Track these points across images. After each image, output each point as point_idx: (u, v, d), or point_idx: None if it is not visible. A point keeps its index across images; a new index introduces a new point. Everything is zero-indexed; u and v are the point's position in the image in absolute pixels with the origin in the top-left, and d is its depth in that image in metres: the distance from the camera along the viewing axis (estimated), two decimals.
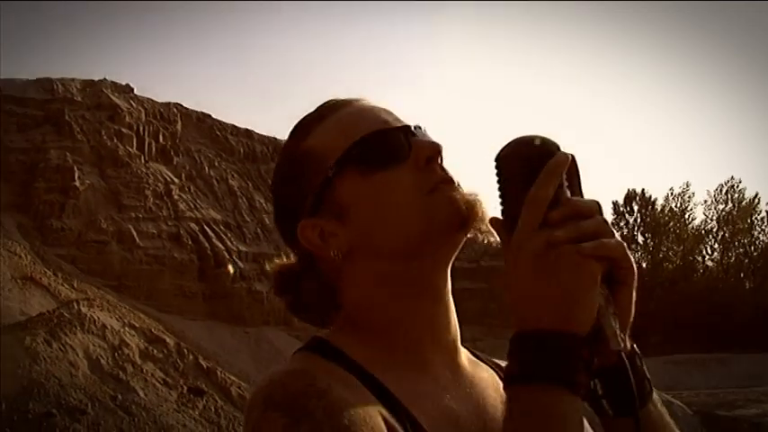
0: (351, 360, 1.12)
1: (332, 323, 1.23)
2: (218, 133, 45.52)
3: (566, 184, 1.01)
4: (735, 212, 52.28)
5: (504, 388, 1.01)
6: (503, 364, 1.25)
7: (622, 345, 1.00)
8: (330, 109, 1.23)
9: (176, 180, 41.53)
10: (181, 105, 45.31)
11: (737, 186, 52.31)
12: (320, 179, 1.17)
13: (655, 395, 1.15)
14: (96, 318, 20.57)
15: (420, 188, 1.14)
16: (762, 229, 52.77)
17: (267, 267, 1.30)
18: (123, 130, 40.61)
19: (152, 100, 43.88)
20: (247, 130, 46.87)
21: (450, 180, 1.16)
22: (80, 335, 19.25)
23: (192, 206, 40.76)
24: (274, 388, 1.03)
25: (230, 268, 37.92)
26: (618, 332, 0.99)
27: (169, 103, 44.80)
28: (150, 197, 39.23)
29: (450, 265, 1.20)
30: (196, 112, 46.07)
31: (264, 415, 1.00)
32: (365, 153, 1.16)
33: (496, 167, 1.04)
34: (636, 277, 1.02)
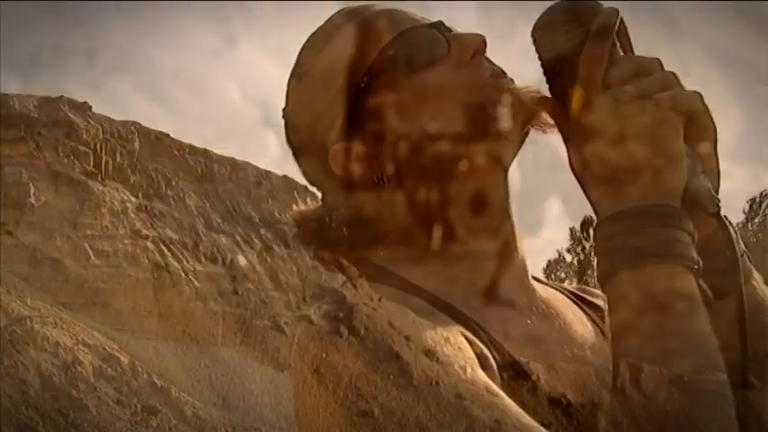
0: (413, 284, 0.96)
1: (375, 258, 1.03)
2: (175, 152, 45.33)
3: (617, 43, 0.88)
4: None
5: (605, 280, 0.84)
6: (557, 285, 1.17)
7: (720, 206, 0.86)
8: (348, 15, 1.04)
9: (133, 198, 41.29)
10: (139, 124, 45.02)
11: None
12: (350, 93, 0.99)
13: (756, 273, 0.96)
14: (49, 335, 20.43)
15: (470, 85, 0.96)
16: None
17: (288, 216, 1.12)
18: (80, 147, 40.34)
19: (110, 118, 43.66)
20: (205, 149, 46.69)
21: (504, 73, 0.99)
22: (33, 352, 19.08)
23: (149, 225, 40.52)
24: (338, 315, 0.83)
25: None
26: (713, 192, 0.86)
27: (127, 121, 44.58)
28: (107, 215, 38.95)
29: (508, 170, 1.02)
30: (154, 130, 45.89)
31: (334, 347, 0.80)
32: (400, 54, 0.97)
33: (536, 42, 0.91)
34: (716, 134, 0.88)
